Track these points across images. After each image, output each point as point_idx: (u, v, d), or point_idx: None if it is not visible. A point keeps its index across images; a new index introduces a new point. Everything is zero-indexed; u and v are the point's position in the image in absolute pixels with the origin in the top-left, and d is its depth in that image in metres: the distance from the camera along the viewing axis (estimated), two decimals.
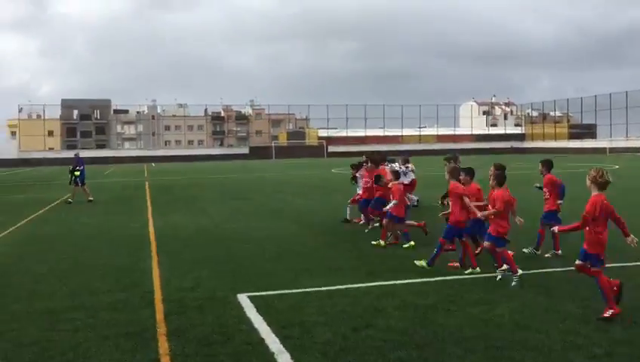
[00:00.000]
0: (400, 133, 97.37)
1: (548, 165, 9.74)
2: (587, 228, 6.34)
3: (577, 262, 6.47)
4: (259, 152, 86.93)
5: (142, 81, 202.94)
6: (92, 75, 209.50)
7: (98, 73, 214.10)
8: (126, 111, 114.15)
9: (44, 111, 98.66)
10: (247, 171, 45.70)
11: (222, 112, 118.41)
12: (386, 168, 12.93)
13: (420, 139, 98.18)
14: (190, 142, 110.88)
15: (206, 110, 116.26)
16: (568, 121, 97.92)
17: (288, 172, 43.15)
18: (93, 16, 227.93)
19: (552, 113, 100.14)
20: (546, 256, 9.43)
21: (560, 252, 9.38)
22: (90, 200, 21.02)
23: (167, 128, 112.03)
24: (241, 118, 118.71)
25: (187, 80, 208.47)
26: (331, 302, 7.16)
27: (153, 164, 72.46)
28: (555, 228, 7.81)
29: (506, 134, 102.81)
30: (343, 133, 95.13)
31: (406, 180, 12.75)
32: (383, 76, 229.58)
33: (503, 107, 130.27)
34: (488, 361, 5.17)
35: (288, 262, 9.65)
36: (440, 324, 6.18)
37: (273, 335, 5.90)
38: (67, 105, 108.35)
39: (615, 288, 6.32)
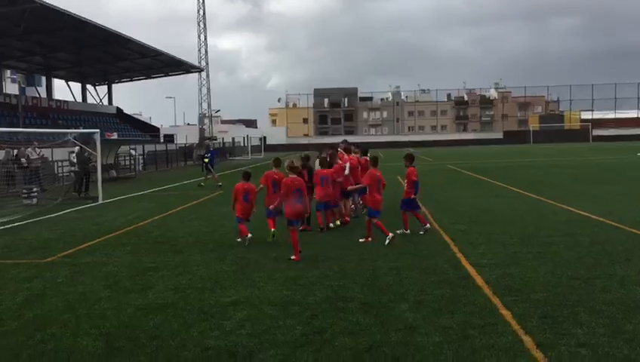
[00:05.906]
0: None
1: (410, 159, 10.82)
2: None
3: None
4: (513, 137, 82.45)
5: (357, 69, 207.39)
6: (313, 66, 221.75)
7: (318, 64, 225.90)
8: (370, 99, 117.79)
9: (307, 99, 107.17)
10: (547, 155, 42.75)
11: (465, 97, 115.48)
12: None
13: None
14: (433, 128, 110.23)
15: (449, 95, 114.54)
16: None
17: (596, 156, 39.21)
18: (305, 13, 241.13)
19: None
20: (397, 231, 10.43)
21: (408, 231, 10.62)
22: (201, 186, 22.07)
23: (410, 114, 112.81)
24: (485, 102, 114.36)
25: (401, 66, 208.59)
26: None
27: (411, 149, 72.95)
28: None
29: None
30: (610, 115, 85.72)
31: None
32: (613, 54, 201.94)
33: None
34: None
35: None
36: None
37: None
38: (319, 93, 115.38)
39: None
